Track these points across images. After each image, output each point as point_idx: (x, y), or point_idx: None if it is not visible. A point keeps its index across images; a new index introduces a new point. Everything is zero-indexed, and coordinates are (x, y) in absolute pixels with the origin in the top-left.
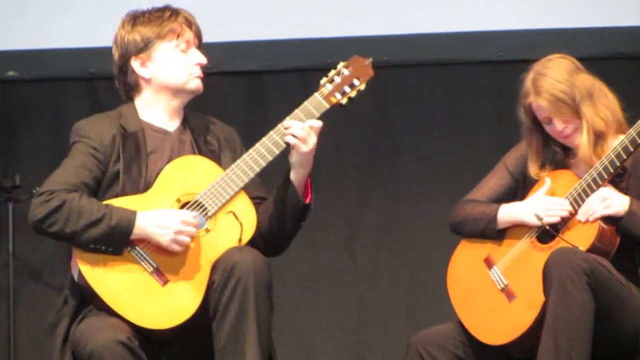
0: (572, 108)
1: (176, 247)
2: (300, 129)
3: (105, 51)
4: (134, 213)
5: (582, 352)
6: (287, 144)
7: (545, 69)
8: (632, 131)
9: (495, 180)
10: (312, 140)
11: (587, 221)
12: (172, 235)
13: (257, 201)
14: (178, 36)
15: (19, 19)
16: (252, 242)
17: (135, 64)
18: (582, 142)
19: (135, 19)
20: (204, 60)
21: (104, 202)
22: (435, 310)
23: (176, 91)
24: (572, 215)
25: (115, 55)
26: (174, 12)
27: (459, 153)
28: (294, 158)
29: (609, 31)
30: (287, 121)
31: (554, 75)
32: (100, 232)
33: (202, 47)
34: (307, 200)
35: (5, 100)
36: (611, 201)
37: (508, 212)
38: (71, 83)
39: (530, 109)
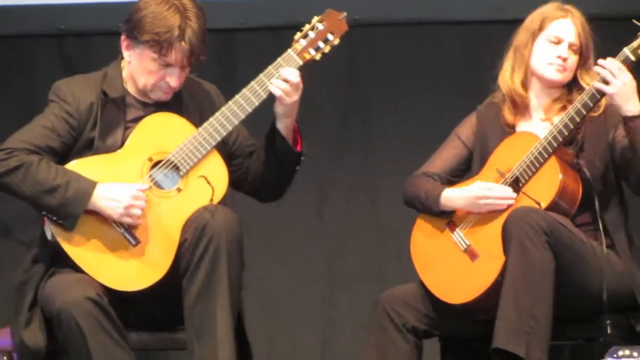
0: (586, 44)
1: (127, 220)
2: (283, 82)
3: (76, 7)
4: (92, 186)
5: (544, 310)
6: (258, 100)
7: (573, 9)
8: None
9: (448, 151)
10: (297, 92)
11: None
12: (122, 209)
13: (251, 148)
14: (165, 56)
15: None
16: (253, 188)
17: (123, 41)
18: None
19: (159, 5)
20: (174, 84)
21: (73, 162)
22: (403, 270)
23: (142, 91)
24: (534, 172)
25: (129, 13)
26: (180, 36)
27: (430, 114)
28: (279, 109)
29: None
30: (264, 75)
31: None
32: (55, 202)
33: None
34: (299, 148)
35: None
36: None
37: (449, 198)
38: (41, 39)
39: (543, 27)
